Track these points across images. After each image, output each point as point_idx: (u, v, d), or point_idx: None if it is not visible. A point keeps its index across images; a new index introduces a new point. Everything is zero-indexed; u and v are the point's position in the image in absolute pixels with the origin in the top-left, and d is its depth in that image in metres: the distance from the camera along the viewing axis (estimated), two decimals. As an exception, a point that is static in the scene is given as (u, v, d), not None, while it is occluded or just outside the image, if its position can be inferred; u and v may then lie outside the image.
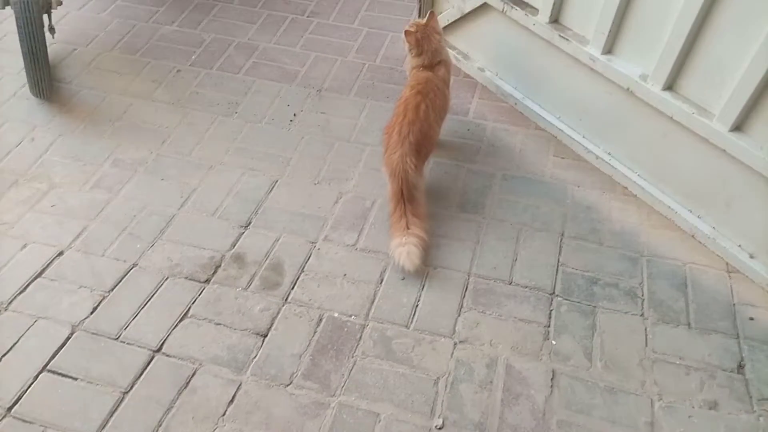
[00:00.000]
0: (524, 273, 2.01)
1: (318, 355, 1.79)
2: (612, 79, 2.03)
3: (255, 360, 1.77)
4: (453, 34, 2.74)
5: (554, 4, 2.11)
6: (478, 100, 2.67)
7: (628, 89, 1.98)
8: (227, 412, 1.66)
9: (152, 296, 1.95)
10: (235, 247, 2.11)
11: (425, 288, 1.97)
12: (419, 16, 2.76)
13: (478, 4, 2.43)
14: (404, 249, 1.94)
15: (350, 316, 1.89)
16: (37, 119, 2.60)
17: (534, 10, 2.23)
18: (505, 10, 2.29)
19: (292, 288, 1.97)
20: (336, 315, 1.89)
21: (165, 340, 1.82)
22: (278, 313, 1.90)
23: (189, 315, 1.90)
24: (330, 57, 2.90)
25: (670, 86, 1.89)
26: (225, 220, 2.20)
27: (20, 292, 1.97)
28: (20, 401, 1.68)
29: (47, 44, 2.58)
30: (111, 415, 1.64)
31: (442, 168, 2.39)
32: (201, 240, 2.13)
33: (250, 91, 2.73)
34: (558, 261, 2.05)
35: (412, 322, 1.88)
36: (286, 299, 1.94)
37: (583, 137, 2.31)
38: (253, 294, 1.95)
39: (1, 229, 2.19)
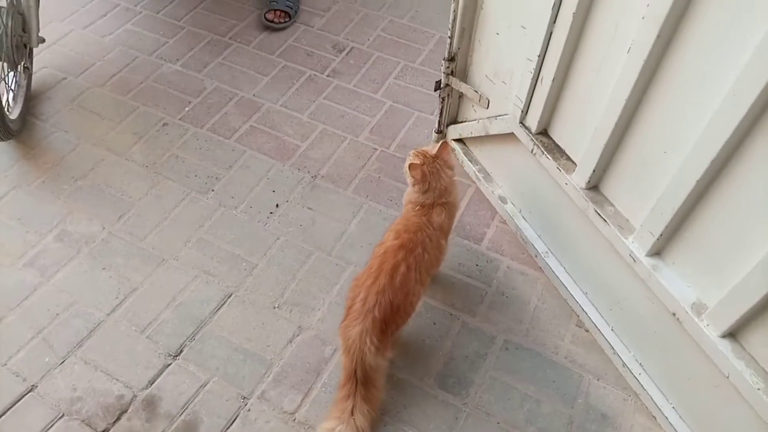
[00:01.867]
0: None
1: None
2: (654, 291, 1.47)
3: None
4: (476, 147, 2.24)
5: (598, 165, 1.54)
6: (498, 224, 2.16)
7: (674, 315, 1.43)
8: None
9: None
10: (152, 386, 1.73)
11: (363, 504, 1.52)
12: (439, 125, 2.28)
13: (504, 132, 1.92)
14: (353, 419, 1.51)
15: None
16: (-4, 163, 2.31)
17: (570, 165, 1.67)
18: (534, 152, 1.77)
19: (199, 467, 1.57)
20: None
21: None
22: (169, 506, 1.50)
23: (65, 483, 1.53)
24: (338, 134, 2.45)
25: (733, 334, 1.32)
26: (154, 342, 1.82)
27: None
28: None
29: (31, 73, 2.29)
30: None
31: (432, 315, 1.91)
32: (118, 366, 1.76)
33: (236, 164, 2.33)
34: (546, 494, 1.55)
35: None
36: (185, 485, 1.54)
37: (612, 330, 1.77)
38: (150, 467, 1.57)
39: None
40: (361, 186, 2.27)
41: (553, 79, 1.59)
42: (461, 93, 2.11)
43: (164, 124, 2.47)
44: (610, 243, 1.57)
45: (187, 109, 2.53)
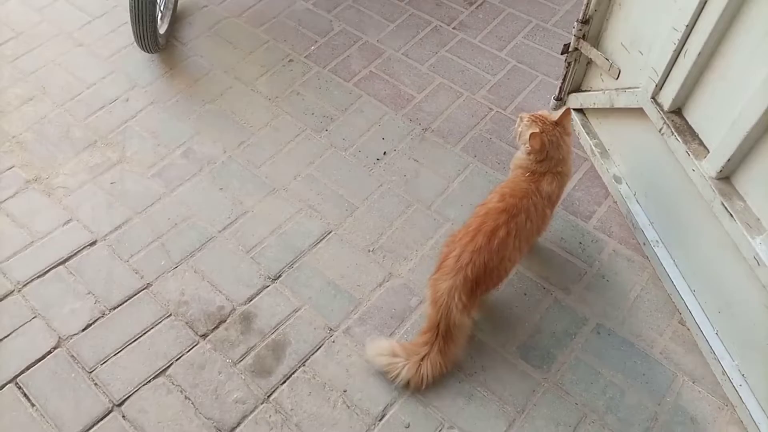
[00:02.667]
0: None
1: (266, 490, 1.51)
2: None
3: (201, 464, 1.54)
4: (596, 119, 2.10)
5: (734, 155, 1.38)
6: (610, 205, 2.04)
7: None
8: None
9: (144, 333, 1.78)
10: (251, 303, 1.85)
11: (427, 450, 1.56)
12: (560, 92, 2.16)
13: (631, 106, 1.77)
14: (421, 364, 1.58)
15: (325, 452, 1.57)
16: (139, 77, 2.51)
17: (701, 150, 1.52)
18: (663, 132, 1.63)
19: (282, 383, 1.68)
20: (310, 443, 1.58)
21: (130, 396, 1.66)
22: (251, 412, 1.63)
23: (167, 373, 1.71)
24: (456, 89, 2.41)
25: None
26: (257, 263, 1.94)
27: (39, 276, 1.92)
28: (-22, 409, 1.64)
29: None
30: (41, 467, 1.54)
31: (524, 285, 1.88)
32: (222, 280, 1.91)
33: (351, 107, 2.37)
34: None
35: (389, 494, 1.50)
36: (267, 397, 1.66)
37: (716, 335, 1.64)
38: (239, 374, 1.70)
39: (59, 193, 2.15)
40: (471, 145, 2.23)
41: (699, 54, 1.44)
42: (590, 59, 1.98)
43: (290, 60, 2.55)
44: (733, 241, 1.43)
45: (312, 48, 2.59)
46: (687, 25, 1.44)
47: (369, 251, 1.97)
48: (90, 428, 1.60)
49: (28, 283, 1.90)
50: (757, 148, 1.35)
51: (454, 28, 2.63)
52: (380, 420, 1.61)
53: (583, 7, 1.84)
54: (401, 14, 2.70)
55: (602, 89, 1.97)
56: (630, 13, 1.74)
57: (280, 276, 1.92)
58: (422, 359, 1.57)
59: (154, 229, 2.04)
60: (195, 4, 2.77)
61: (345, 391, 1.67)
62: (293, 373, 1.70)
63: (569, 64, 2.05)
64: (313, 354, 1.74)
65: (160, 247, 1.99)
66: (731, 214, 1.41)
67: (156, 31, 2.36)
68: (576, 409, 1.63)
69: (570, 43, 1.97)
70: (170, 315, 1.83)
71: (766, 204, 1.37)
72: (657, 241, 1.83)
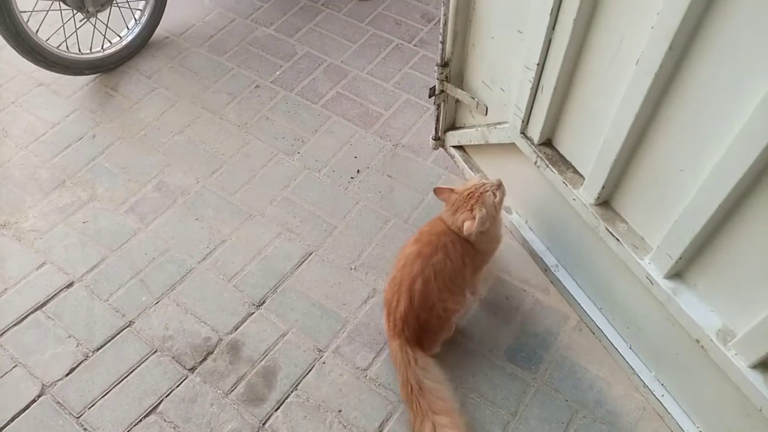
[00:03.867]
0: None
1: None
2: (674, 315, 1.33)
3: (200, 500, 1.53)
4: (477, 154, 2.08)
5: (608, 180, 1.37)
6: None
7: (697, 342, 1.28)
8: None
9: (131, 372, 1.76)
10: (237, 331, 1.85)
11: (427, 462, 1.57)
12: (436, 131, 2.13)
13: (504, 142, 1.75)
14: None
15: (325, 474, 1.57)
16: (104, 113, 2.49)
17: (577, 178, 1.51)
18: (538, 164, 1.60)
19: (276, 410, 1.68)
20: (309, 467, 1.58)
21: (121, 438, 1.63)
22: (248, 441, 1.62)
23: (158, 410, 1.68)
24: (422, 104, 2.46)
25: (765, 364, 1.16)
26: (240, 291, 1.94)
27: (16, 323, 1.88)
28: (-38, 466, 1.59)
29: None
30: None
31: (504, 290, 1.92)
32: (206, 311, 1.90)
33: (321, 128, 2.40)
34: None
35: None
36: (263, 425, 1.65)
37: (630, 348, 1.66)
38: (232, 405, 1.69)
39: (30, 237, 2.11)
40: (441, 158, 2.28)
41: (555, 89, 1.42)
42: (457, 99, 1.94)
43: (257, 87, 2.57)
44: (624, 263, 1.43)
45: (278, 72, 2.62)
46: (537, 63, 1.42)
47: (351, 269, 1.99)
48: (82, 474, 1.56)
49: (5, 332, 1.85)
50: (628, 171, 1.36)
51: (414, 45, 2.69)
52: (378, 436, 1.63)
53: (440, 51, 1.81)
54: (362, 35, 2.75)
55: (475, 125, 1.94)
56: (484, 53, 1.72)
57: (264, 302, 1.92)
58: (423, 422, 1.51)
59: (131, 265, 2.02)
60: (156, 36, 2.77)
61: (340, 411, 1.67)
62: (286, 398, 1.70)
63: (438, 105, 2.02)
64: (304, 377, 1.74)
65: (139, 283, 1.97)
66: (617, 238, 1.41)
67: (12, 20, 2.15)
68: (566, 406, 1.68)
69: (434, 86, 1.94)
70: (156, 351, 1.81)
71: (647, 222, 1.38)
72: (557, 265, 1.85)
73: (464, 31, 1.75)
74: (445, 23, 1.71)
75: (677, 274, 1.32)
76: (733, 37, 0.98)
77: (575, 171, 1.54)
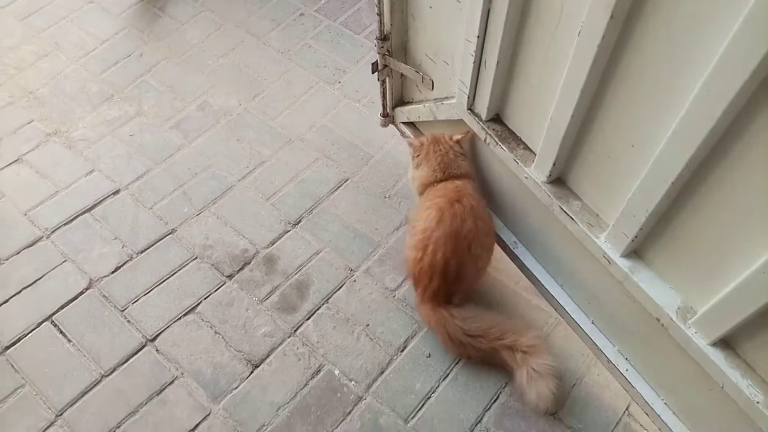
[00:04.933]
0: (576, 413, 1.61)
1: (297, 414, 1.59)
2: (633, 294, 1.26)
3: (234, 393, 1.63)
4: (429, 131, 1.87)
5: (558, 157, 1.28)
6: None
7: (658, 320, 1.21)
8: (187, 437, 1.56)
9: (173, 275, 1.85)
10: (273, 246, 1.92)
11: (449, 379, 1.65)
12: (384, 108, 2.00)
13: (453, 118, 1.63)
14: (537, 384, 1.50)
15: (351, 380, 1.65)
16: (152, 33, 2.54)
17: (529, 155, 1.41)
18: (488, 141, 1.50)
19: (307, 319, 1.76)
20: (336, 373, 1.66)
21: (162, 332, 1.73)
22: (279, 344, 1.71)
23: (196, 311, 1.78)
24: (466, 41, 2.44)
25: (726, 340, 1.10)
26: (277, 209, 2.01)
27: (66, 223, 1.98)
28: (17, 344, 1.72)
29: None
30: (82, 396, 1.62)
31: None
32: (244, 225, 1.97)
33: (363, 60, 2.41)
34: None
35: (413, 417, 1.59)
36: (294, 331, 1.74)
37: (593, 323, 1.57)
38: (266, 311, 1.78)
39: (79, 146, 2.20)
40: (483, 95, 2.27)
41: (498, 63, 1.33)
42: (402, 73, 1.82)
43: (301, 14, 2.57)
44: (579, 242, 1.35)
45: (322, 1, 2.61)
46: (478, 36, 1.32)
47: (385, 197, 2.03)
48: (126, 361, 1.68)
49: (55, 230, 1.96)
50: (578, 148, 1.27)
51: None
52: (402, 351, 1.70)
53: (378, 24, 1.71)
54: (410, -32, 2.71)
55: (422, 101, 1.82)
56: (424, 24, 1.61)
57: (300, 221, 1.98)
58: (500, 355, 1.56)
59: (175, 178, 2.09)
60: (204, -41, 2.77)
61: (367, 325, 1.75)
62: (317, 309, 1.78)
63: (383, 81, 1.89)
64: (335, 292, 1.82)
65: (182, 195, 2.05)
66: (571, 217, 1.33)
67: None
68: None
69: (377, 61, 1.82)
70: (196, 258, 1.90)
71: (601, 198, 1.30)
72: (515, 242, 1.74)
73: (402, 1, 1.63)
74: None
75: (634, 251, 1.24)
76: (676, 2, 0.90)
77: (526, 147, 1.44)
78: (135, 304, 1.79)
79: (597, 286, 1.46)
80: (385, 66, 1.82)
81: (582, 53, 1.07)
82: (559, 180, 1.37)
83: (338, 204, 2.02)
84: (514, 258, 1.74)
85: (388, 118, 2.03)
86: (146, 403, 1.60)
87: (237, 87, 2.35)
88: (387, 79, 1.87)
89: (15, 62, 2.47)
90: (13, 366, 1.67)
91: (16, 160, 2.17)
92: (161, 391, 1.62)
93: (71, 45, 2.52)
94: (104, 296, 1.80)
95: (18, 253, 1.91)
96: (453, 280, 1.55)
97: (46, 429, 1.57)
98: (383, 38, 1.73)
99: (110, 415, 1.58)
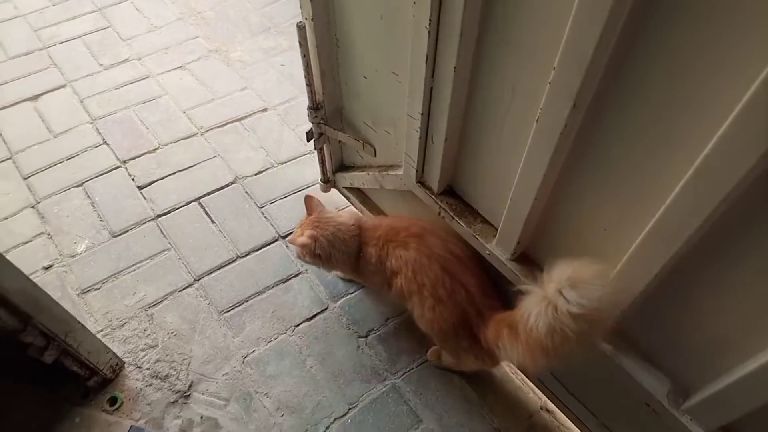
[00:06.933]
0: None
1: (404, 329, 1.72)
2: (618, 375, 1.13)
3: (350, 296, 1.78)
4: (375, 195, 1.82)
5: (522, 235, 1.18)
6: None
7: (648, 405, 1.09)
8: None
9: (308, 187, 2.02)
10: (399, 183, 2.06)
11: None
12: (323, 173, 1.88)
13: (401, 189, 1.51)
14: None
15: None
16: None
17: (489, 229, 1.30)
18: (442, 215, 1.37)
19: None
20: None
21: (291, 232, 1.90)
22: (396, 266, 1.85)
23: (324, 222, 1.94)
24: None
25: None
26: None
27: (219, 126, 2.20)
28: (168, 215, 1.93)
29: None
30: (219, 269, 1.81)
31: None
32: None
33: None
34: None
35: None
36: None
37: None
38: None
39: (236, 65, 2.42)
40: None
41: (446, 140, 1.22)
42: (340, 141, 1.71)
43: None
44: None
45: None
46: (422, 113, 1.21)
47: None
48: (260, 249, 1.86)
49: (209, 130, 2.18)
50: (545, 227, 1.14)
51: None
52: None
53: (309, 94, 1.60)
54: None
55: (366, 168, 1.69)
56: (359, 93, 1.50)
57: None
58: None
59: (317, 108, 2.28)
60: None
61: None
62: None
63: (321, 149, 1.78)
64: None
65: (321, 123, 2.23)
66: None
67: None
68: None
69: (311, 130, 1.71)
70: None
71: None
72: None
73: (332, 70, 1.52)
74: (308, 65, 1.49)
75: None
76: (650, 88, 0.80)
77: (485, 221, 1.31)
78: (272, 204, 1.97)
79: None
80: (321, 134, 1.71)
81: (541, 140, 0.96)
82: (524, 255, 1.23)
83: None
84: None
85: (329, 183, 1.91)
86: (273, 287, 1.77)
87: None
88: (324, 146, 1.77)
89: (189, -16, 2.74)
90: (162, 231, 1.88)
91: (180, 67, 2.42)
92: (287, 280, 1.79)
93: (239, -22, 2.76)
94: (246, 192, 2.00)
95: (176, 142, 2.14)
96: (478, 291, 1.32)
97: (184, 288, 1.76)
98: (315, 107, 1.61)
99: (241, 290, 1.76)
